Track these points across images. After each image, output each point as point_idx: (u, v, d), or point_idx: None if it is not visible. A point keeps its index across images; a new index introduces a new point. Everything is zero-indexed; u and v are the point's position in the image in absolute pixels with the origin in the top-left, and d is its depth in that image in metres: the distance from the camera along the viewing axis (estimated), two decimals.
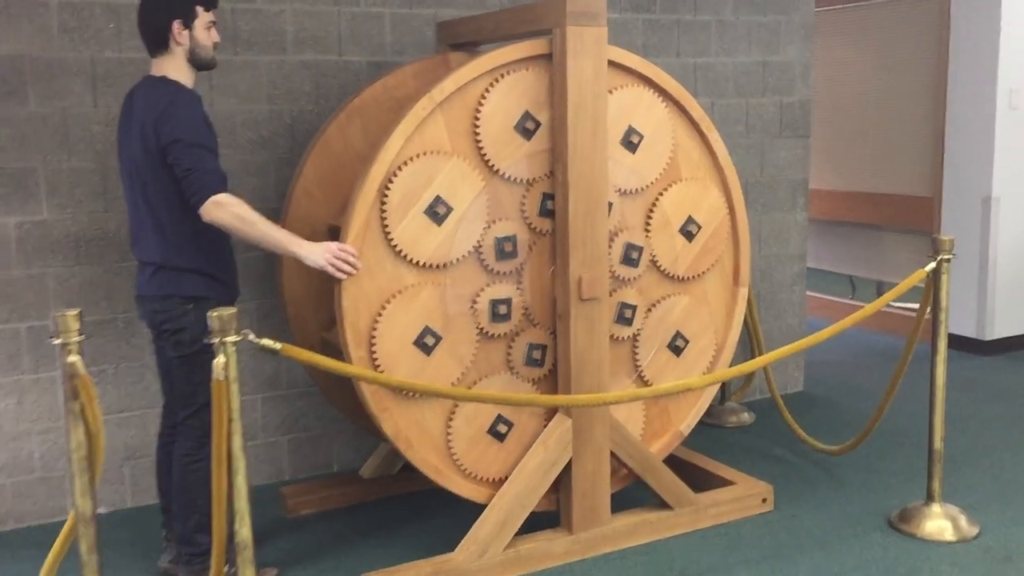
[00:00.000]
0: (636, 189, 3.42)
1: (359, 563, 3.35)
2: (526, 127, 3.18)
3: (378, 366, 3.05)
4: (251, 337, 2.54)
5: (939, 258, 3.43)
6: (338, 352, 3.13)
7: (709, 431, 4.68)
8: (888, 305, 3.62)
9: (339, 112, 3.58)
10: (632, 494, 3.57)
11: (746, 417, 4.84)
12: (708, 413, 4.73)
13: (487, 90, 3.12)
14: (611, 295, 3.38)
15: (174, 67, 2.99)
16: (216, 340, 2.47)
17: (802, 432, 4.26)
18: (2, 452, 3.65)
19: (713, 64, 4.83)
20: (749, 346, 4.86)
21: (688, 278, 3.57)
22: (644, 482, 3.49)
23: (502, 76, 3.13)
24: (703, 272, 3.60)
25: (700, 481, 3.80)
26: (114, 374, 3.78)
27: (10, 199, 3.56)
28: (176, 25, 2.95)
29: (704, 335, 3.63)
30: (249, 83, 3.86)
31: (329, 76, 3.98)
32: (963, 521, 3.50)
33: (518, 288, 3.25)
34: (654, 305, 3.52)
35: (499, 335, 3.25)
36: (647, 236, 3.46)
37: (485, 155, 3.14)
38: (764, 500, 3.71)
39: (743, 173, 4.81)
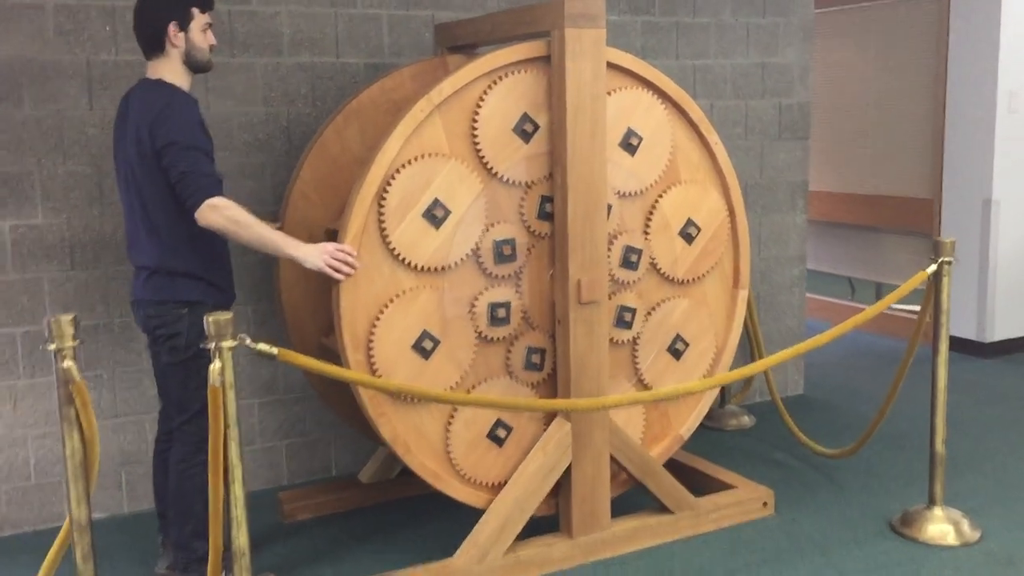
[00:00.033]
0: (635, 191, 3.40)
1: (357, 569, 3.33)
2: (524, 129, 3.16)
3: (376, 370, 3.02)
4: (248, 342, 2.52)
5: (940, 260, 3.42)
6: (336, 357, 3.11)
7: (709, 434, 4.66)
8: (888, 307, 3.59)
9: (336, 114, 3.56)
10: (632, 498, 3.55)
11: (746, 420, 4.82)
12: (708, 416, 4.71)
13: (485, 92, 3.10)
14: (610, 298, 3.36)
15: (170, 70, 2.97)
16: (212, 345, 2.45)
17: (802, 435, 4.24)
18: None
19: (712, 66, 4.81)
20: (748, 348, 4.84)
21: (688, 281, 3.55)
22: (644, 486, 3.47)
23: (500, 78, 3.11)
24: (703, 275, 3.58)
25: (700, 485, 3.78)
26: (110, 379, 3.75)
27: (5, 202, 3.53)
28: (172, 27, 2.92)
29: (704, 338, 3.61)
30: (245, 85, 3.84)
31: (326, 78, 3.96)
32: (965, 525, 3.47)
33: (517, 291, 3.23)
34: (654, 308, 3.50)
35: (498, 339, 3.22)
36: (646, 239, 3.44)
37: (483, 158, 3.12)
38: (765, 504, 3.69)
39: (742, 175, 4.79)
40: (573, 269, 3.17)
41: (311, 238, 3.33)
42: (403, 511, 3.81)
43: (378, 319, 3.02)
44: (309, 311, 3.56)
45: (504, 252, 3.18)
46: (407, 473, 3.31)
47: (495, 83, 3.10)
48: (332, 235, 3.26)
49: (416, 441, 3.14)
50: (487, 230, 3.15)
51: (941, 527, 3.46)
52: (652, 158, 3.41)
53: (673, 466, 3.80)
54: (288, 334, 3.57)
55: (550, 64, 3.15)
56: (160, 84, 2.94)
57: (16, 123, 3.52)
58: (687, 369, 3.60)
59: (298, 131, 3.94)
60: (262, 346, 2.57)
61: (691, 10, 4.72)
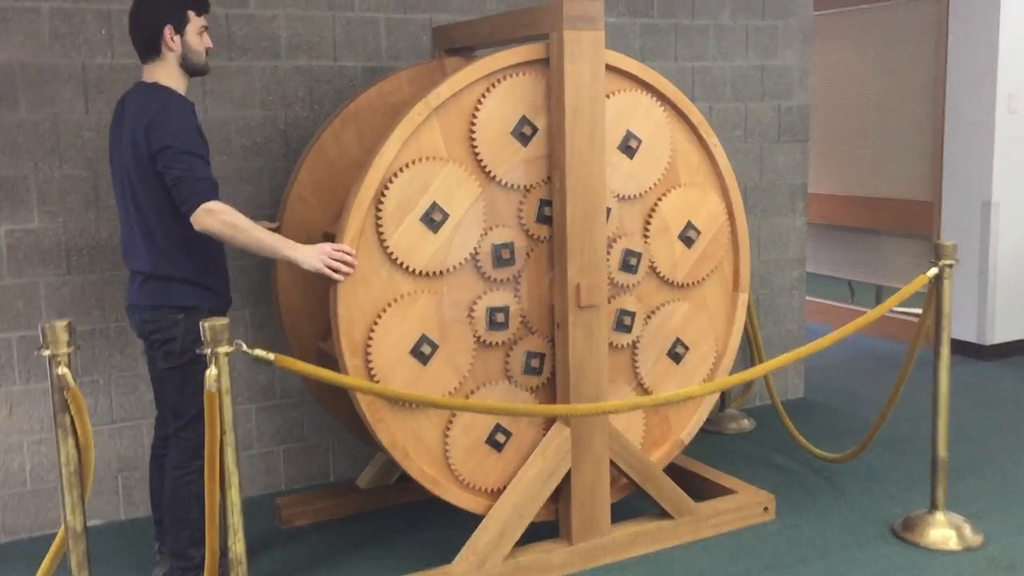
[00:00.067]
0: (634, 195, 3.38)
1: (355, 575, 3.30)
2: (523, 132, 3.14)
3: (374, 376, 3.00)
4: (244, 348, 2.50)
5: (941, 264, 3.40)
6: (335, 362, 3.08)
7: (709, 438, 4.64)
8: (889, 310, 3.57)
9: (334, 118, 3.55)
10: (632, 504, 3.53)
11: (746, 424, 4.80)
12: (708, 420, 4.68)
13: (483, 95, 3.08)
14: (610, 302, 3.34)
15: (166, 73, 2.95)
16: (208, 351, 2.43)
17: (803, 439, 4.22)
18: None
19: (711, 68, 4.79)
20: (748, 352, 4.82)
21: (687, 284, 3.53)
22: (644, 491, 3.45)
23: (498, 81, 3.09)
24: (703, 278, 3.56)
25: (701, 490, 3.76)
26: (106, 384, 3.73)
27: (1, 207, 3.51)
28: (168, 30, 2.90)
29: (704, 342, 3.59)
30: (243, 89, 3.82)
31: (323, 81, 3.95)
32: (967, 530, 3.45)
33: (516, 296, 3.21)
34: (653, 312, 3.48)
35: (497, 343, 3.20)
36: (646, 242, 3.42)
37: (482, 161, 3.10)
38: (765, 509, 3.67)
39: (742, 178, 4.78)
40: (572, 273, 3.15)
41: (309, 241, 3.29)
42: (402, 517, 3.79)
43: (376, 324, 2.99)
44: (307, 315, 3.54)
45: (503, 256, 3.16)
46: (406, 479, 3.28)
47: (493, 86, 3.09)
48: (329, 239, 3.24)
49: (415, 447, 3.12)
50: (485, 234, 3.13)
51: (943, 532, 3.44)
52: (651, 161, 3.39)
53: (673, 470, 3.78)
54: (286, 338, 3.55)
55: (548, 67, 3.13)
56: (156, 88, 2.92)
57: (12, 127, 3.50)
58: (687, 373, 3.58)
59: (296, 135, 3.92)
60: (258, 352, 2.55)
61: (690, 12, 4.70)
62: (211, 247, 3.00)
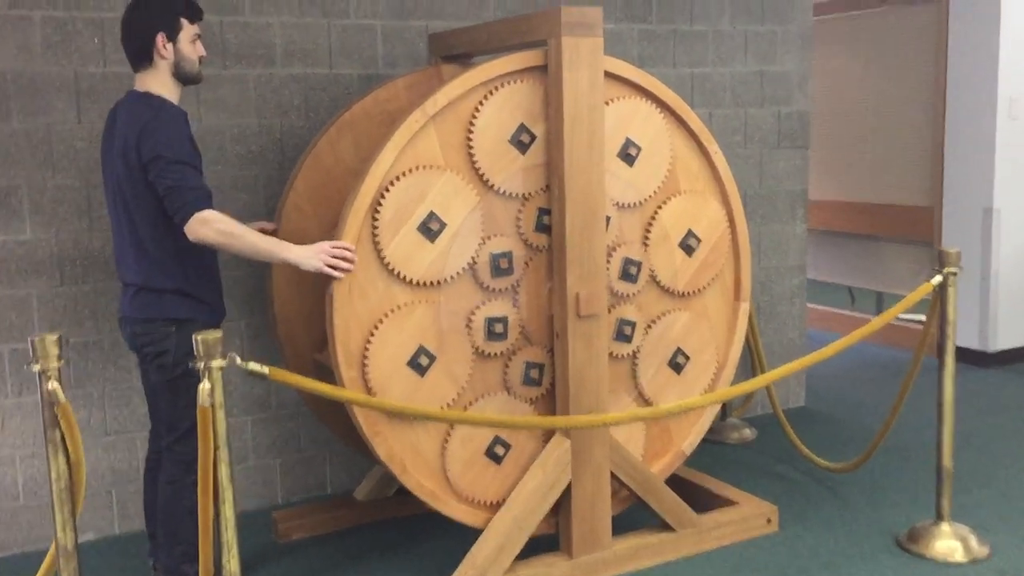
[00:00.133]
0: (634, 203, 3.34)
1: None
2: (521, 140, 3.11)
3: (371, 388, 2.96)
4: (238, 361, 2.46)
5: (945, 271, 3.36)
6: (331, 374, 3.04)
7: (711, 448, 4.59)
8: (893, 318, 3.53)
9: (330, 126, 3.51)
10: (633, 516, 3.48)
11: (748, 433, 4.76)
12: (709, 429, 4.61)
13: (481, 103, 3.04)
14: (609, 311, 3.30)
15: (158, 82, 2.91)
16: (201, 365, 2.38)
17: (805, 449, 4.18)
18: None
19: (710, 74, 4.76)
20: (749, 361, 4.78)
21: (688, 293, 3.49)
22: (645, 504, 3.41)
23: (496, 88, 3.06)
24: (703, 287, 3.51)
25: (703, 501, 3.71)
26: (100, 397, 3.68)
27: None
28: (160, 38, 2.87)
29: (705, 351, 3.55)
30: (238, 97, 3.78)
31: (319, 89, 3.91)
32: (973, 541, 3.41)
33: (514, 306, 3.17)
34: (654, 321, 3.44)
35: (495, 354, 3.16)
36: (646, 251, 3.38)
37: (479, 169, 3.06)
38: (769, 520, 3.62)
39: (741, 184, 4.74)
40: (571, 282, 3.11)
41: None
42: (400, 530, 3.74)
43: (372, 335, 2.95)
44: (302, 325, 3.49)
45: (501, 265, 3.12)
46: (404, 491, 3.23)
47: (491, 93, 3.05)
48: None
49: (412, 460, 3.07)
50: (483, 243, 3.09)
51: (949, 543, 3.39)
52: (651, 168, 3.35)
53: (675, 482, 3.73)
54: (281, 348, 3.50)
55: (547, 74, 3.09)
56: (148, 97, 2.88)
57: (4, 136, 3.45)
58: (688, 383, 3.53)
59: (291, 143, 3.88)
60: (252, 365, 2.51)
61: (688, 18, 4.67)
62: (204, 257, 2.96)
